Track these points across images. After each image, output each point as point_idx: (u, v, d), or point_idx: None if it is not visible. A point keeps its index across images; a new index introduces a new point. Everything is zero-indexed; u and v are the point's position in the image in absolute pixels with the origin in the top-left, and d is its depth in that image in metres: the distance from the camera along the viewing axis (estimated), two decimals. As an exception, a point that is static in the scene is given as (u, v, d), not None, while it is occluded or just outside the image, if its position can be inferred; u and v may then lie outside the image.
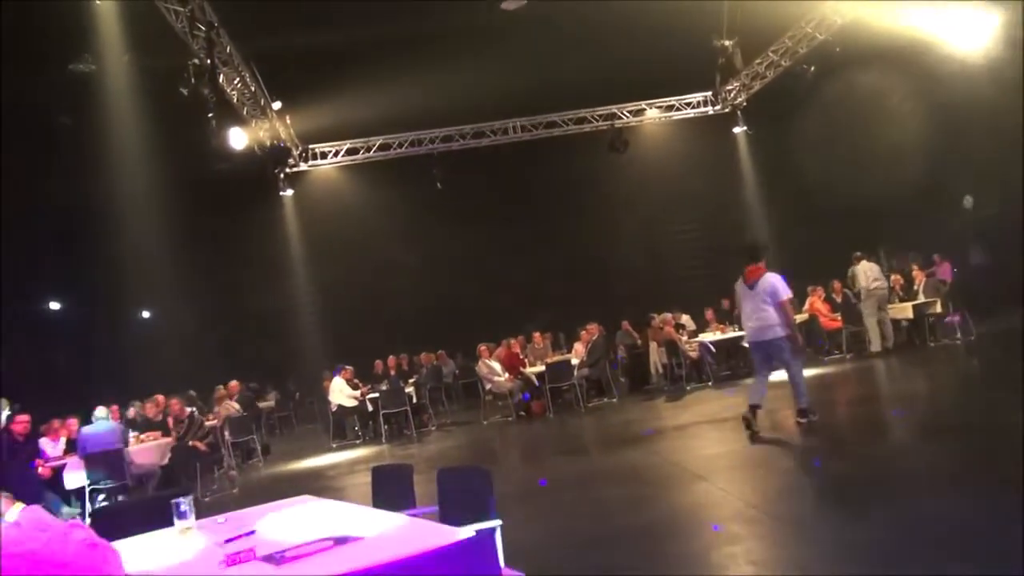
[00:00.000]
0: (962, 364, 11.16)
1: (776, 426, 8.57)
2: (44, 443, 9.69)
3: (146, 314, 18.39)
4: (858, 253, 12.97)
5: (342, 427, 12.70)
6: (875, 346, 12.28)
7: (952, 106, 13.51)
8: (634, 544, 4.90)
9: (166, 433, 10.17)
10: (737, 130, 18.20)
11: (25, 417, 9.20)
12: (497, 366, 12.62)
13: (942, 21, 12.86)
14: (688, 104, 18.23)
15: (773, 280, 7.70)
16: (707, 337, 12.91)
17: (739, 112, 18.03)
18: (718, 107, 18.22)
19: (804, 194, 16.50)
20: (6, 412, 11.51)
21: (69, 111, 11.94)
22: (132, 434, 10.09)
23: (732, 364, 13.33)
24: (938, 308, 12.50)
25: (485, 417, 12.57)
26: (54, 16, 9.75)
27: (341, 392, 12.36)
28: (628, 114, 17.99)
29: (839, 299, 13.40)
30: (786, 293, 7.70)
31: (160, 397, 11.31)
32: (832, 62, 14.53)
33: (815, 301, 13.39)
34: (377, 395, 12.21)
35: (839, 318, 13.08)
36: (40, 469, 8.86)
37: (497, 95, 15.17)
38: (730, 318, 13.73)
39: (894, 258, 15.92)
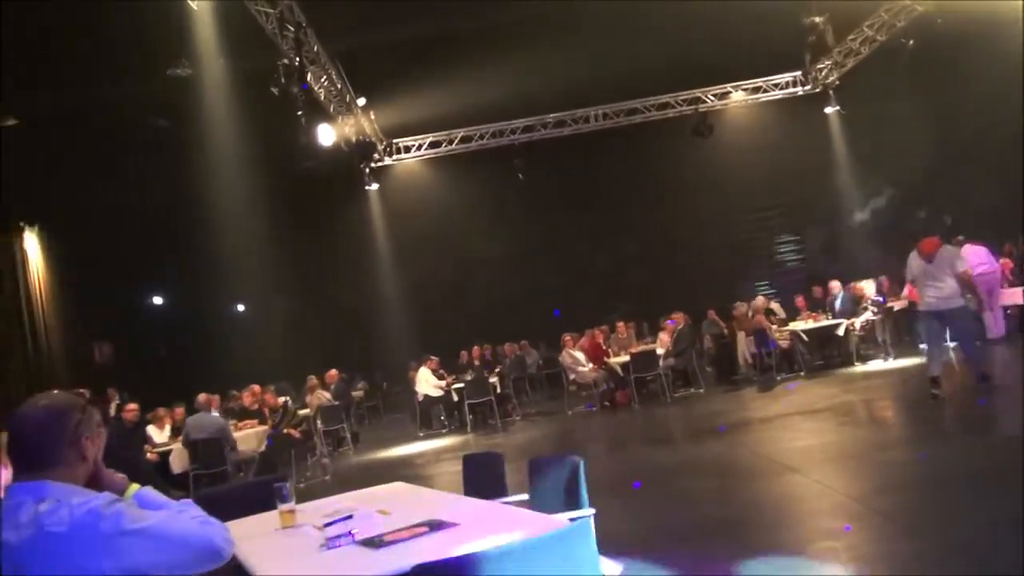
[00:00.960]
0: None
1: (874, 417, 8.23)
2: (151, 430, 10.21)
3: (241, 307, 19.12)
4: (961, 236, 12.26)
5: (428, 416, 12.91)
6: (987, 334, 11.60)
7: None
8: (726, 536, 4.79)
9: (262, 421, 10.56)
10: (829, 110, 17.37)
11: (134, 405, 9.71)
12: (581, 356, 12.56)
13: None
14: (776, 85, 17.59)
15: (953, 252, 8.03)
16: (799, 326, 12.48)
17: (831, 92, 17.15)
18: (808, 87, 17.49)
19: (902, 176, 15.71)
20: (116, 401, 12.24)
21: (168, 114, 12.47)
22: (230, 422, 10.49)
23: (826, 354, 12.85)
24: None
25: (569, 407, 12.53)
26: (152, 23, 10.17)
27: (427, 382, 12.56)
28: (713, 98, 17.52)
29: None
30: (965, 264, 8.08)
31: (256, 387, 11.72)
32: (933, 35, 13.71)
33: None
34: (462, 385, 12.35)
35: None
36: (148, 454, 9.36)
37: (578, 84, 15.02)
38: (823, 306, 13.24)
39: (1005, 241, 14.98)
